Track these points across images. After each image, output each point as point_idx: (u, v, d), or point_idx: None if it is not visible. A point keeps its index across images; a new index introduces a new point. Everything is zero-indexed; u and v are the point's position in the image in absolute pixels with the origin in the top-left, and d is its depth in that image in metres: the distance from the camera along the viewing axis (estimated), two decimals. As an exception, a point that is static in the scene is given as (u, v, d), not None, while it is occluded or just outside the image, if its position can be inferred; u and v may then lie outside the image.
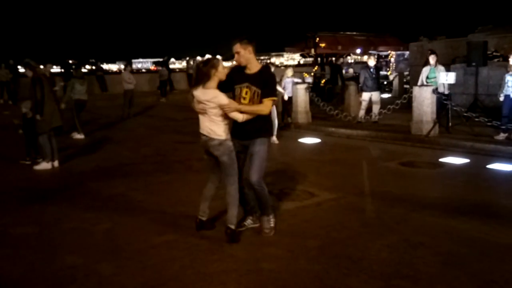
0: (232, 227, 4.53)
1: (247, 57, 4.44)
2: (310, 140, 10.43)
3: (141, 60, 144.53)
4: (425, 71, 11.02)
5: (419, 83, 10.82)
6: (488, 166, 7.44)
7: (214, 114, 4.45)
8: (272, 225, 4.74)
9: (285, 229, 4.89)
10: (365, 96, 11.92)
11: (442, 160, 7.99)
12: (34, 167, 8.04)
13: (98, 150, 9.97)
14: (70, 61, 22.75)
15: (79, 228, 5.09)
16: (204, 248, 4.40)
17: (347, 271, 3.87)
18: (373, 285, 3.62)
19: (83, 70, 25.88)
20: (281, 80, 12.41)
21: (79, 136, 11.32)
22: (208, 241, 4.58)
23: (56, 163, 8.16)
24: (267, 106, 4.44)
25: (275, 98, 4.53)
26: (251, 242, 4.56)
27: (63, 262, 4.19)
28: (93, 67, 29.89)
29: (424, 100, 9.69)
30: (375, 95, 11.84)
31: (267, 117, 4.60)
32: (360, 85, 12.43)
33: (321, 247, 4.38)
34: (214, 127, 4.48)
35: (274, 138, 10.12)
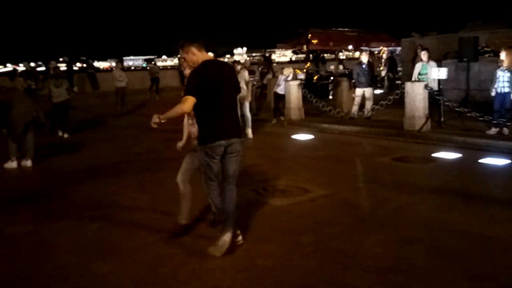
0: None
1: (191, 59, 4.14)
2: (303, 137, 10.44)
3: (132, 57, 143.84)
4: (418, 67, 11.11)
5: (413, 79, 10.88)
6: (480, 161, 7.48)
7: None
8: (224, 242, 4.13)
9: (279, 226, 4.89)
10: (358, 92, 11.97)
11: (434, 155, 8.03)
12: (3, 165, 8.02)
13: (89, 149, 9.91)
14: (61, 59, 22.50)
15: (72, 227, 5.06)
16: (199, 245, 4.39)
17: (342, 266, 3.88)
18: (368, 280, 3.63)
19: (74, 67, 25.69)
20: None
21: (65, 135, 11.25)
22: (202, 238, 4.56)
23: (28, 162, 8.13)
24: (181, 103, 3.95)
25: (186, 95, 3.93)
26: (246, 238, 4.55)
27: (56, 262, 4.16)
28: (84, 65, 29.67)
29: (416, 96, 9.72)
30: (368, 91, 11.89)
31: (199, 123, 4.15)
32: (353, 81, 12.51)
33: (315, 243, 4.39)
34: None
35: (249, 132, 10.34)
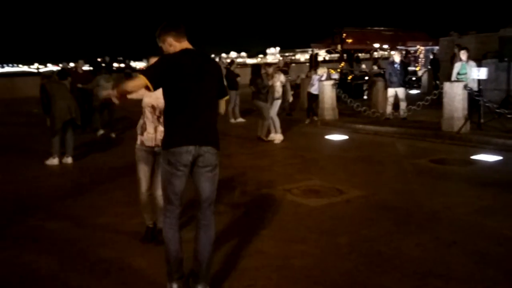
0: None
1: (168, 51, 3.45)
2: (337, 137, 10.35)
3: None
4: (457, 67, 10.85)
5: (452, 79, 10.65)
6: (522, 164, 7.25)
7: None
8: None
9: (314, 226, 4.88)
10: (390, 92, 11.82)
11: (474, 157, 7.82)
12: (45, 162, 8.30)
13: (127, 146, 10.10)
14: (99, 59, 23.07)
15: (112, 222, 5.19)
16: (234, 244, 4.43)
17: (379, 269, 3.84)
18: (406, 284, 3.58)
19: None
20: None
21: (100, 132, 11.48)
22: (238, 237, 4.61)
23: (69, 160, 8.39)
24: (131, 79, 3.44)
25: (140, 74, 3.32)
26: (281, 238, 4.57)
27: (97, 256, 4.28)
28: (121, 65, 30.38)
29: (455, 96, 9.49)
30: (400, 91, 11.71)
31: (166, 122, 3.44)
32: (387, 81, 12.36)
33: (351, 245, 4.35)
34: None
35: (273, 135, 10.02)
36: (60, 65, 24.59)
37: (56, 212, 5.68)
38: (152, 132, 4.31)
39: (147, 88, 3.25)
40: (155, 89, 3.28)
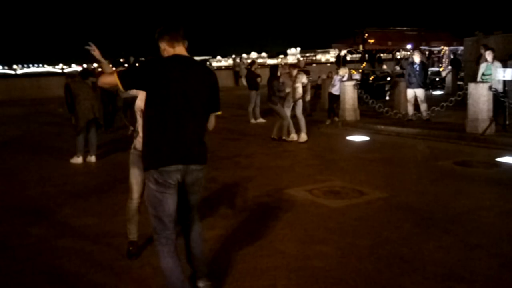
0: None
1: (162, 55, 3.24)
2: (358, 138, 10.27)
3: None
4: (482, 67, 10.66)
5: (477, 80, 10.46)
6: (550, 167, 7.08)
7: None
8: None
9: (334, 227, 4.86)
10: (409, 92, 11.67)
11: (499, 159, 7.67)
12: (70, 160, 8.47)
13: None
14: (122, 59, 23.40)
15: (134, 220, 5.26)
16: (255, 244, 4.45)
17: (399, 271, 3.80)
18: (427, 286, 3.54)
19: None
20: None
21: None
22: (258, 237, 4.62)
23: (93, 158, 8.54)
24: (108, 73, 3.33)
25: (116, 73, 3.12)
26: (301, 239, 4.57)
27: (118, 253, 4.35)
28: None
29: (480, 97, 9.32)
30: (419, 92, 11.52)
31: (147, 137, 3.16)
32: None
33: (372, 246, 4.32)
34: None
35: (298, 135, 9.98)
36: (84, 65, 25.10)
37: (80, 209, 5.79)
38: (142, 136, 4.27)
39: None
40: (125, 89, 3.12)
